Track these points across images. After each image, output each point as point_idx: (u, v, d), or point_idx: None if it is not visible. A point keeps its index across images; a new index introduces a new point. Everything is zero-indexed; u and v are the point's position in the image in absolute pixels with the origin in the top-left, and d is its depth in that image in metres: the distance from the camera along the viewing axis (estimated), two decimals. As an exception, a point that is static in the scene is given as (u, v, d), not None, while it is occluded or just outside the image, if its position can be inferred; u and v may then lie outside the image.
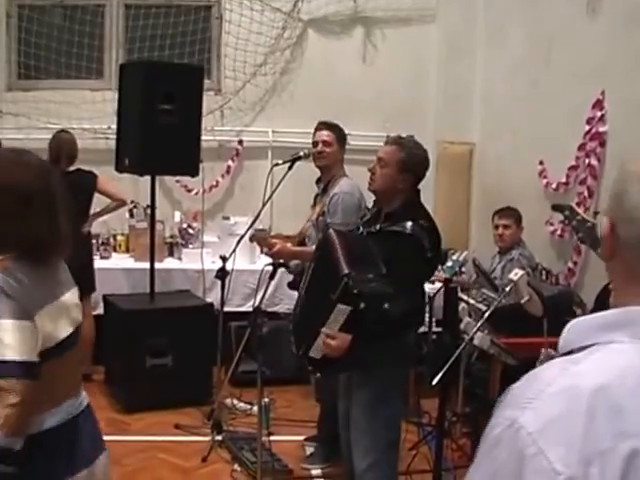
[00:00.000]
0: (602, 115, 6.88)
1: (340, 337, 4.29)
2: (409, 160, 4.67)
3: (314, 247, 5.17)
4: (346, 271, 4.27)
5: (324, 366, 4.51)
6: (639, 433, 1.39)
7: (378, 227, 4.60)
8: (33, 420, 2.71)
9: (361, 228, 4.79)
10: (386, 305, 4.22)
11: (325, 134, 6.13)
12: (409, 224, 4.47)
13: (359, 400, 4.69)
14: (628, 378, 1.44)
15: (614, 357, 1.47)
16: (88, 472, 2.92)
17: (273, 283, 6.09)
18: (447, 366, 4.54)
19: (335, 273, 4.33)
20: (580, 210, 4.57)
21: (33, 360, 2.64)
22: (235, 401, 7.16)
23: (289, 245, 5.95)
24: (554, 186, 7.46)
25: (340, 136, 6.17)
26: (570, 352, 1.55)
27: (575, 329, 1.57)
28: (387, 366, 4.54)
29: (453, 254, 7.22)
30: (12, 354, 2.59)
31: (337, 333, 4.28)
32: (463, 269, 7.46)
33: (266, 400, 6.32)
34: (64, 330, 2.87)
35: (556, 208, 4.52)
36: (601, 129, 6.88)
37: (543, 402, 1.44)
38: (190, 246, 8.58)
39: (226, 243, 7.33)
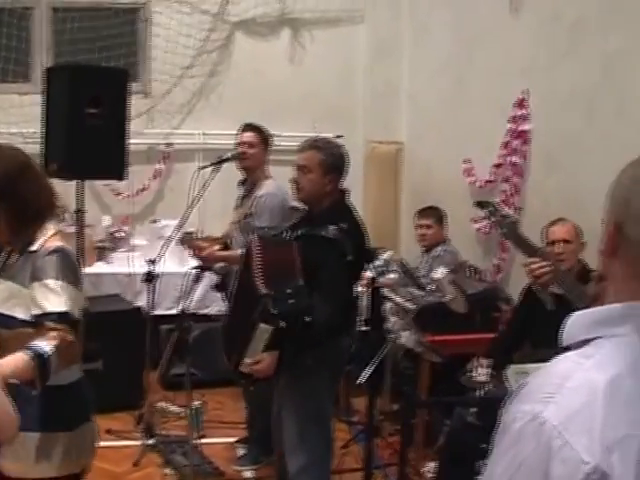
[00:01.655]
0: (525, 113, 6.97)
1: (265, 359, 4.31)
2: (331, 160, 4.71)
3: (240, 251, 5.17)
4: (264, 292, 4.27)
5: (255, 379, 4.52)
6: None
7: (304, 231, 4.61)
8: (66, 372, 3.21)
9: (285, 232, 4.78)
10: (307, 318, 4.23)
11: (249, 136, 6.17)
12: (331, 228, 4.48)
13: (289, 401, 4.72)
14: (637, 368, 1.54)
15: (622, 349, 1.56)
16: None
17: (202, 286, 6.12)
18: (373, 365, 4.58)
19: (255, 291, 4.33)
20: (503, 206, 4.63)
21: (79, 318, 3.25)
22: (167, 404, 7.14)
23: (217, 248, 5.97)
24: (480, 184, 7.55)
25: (264, 138, 6.21)
26: (572, 345, 1.64)
27: (577, 323, 1.65)
28: (317, 367, 4.55)
29: (382, 253, 7.25)
30: (65, 307, 3.10)
31: (261, 355, 4.30)
32: (391, 268, 7.50)
33: (197, 403, 6.34)
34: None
35: (479, 204, 4.57)
36: (525, 127, 6.98)
37: (563, 396, 1.51)
38: (120, 250, 8.54)
39: (155, 246, 7.28)
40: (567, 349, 1.65)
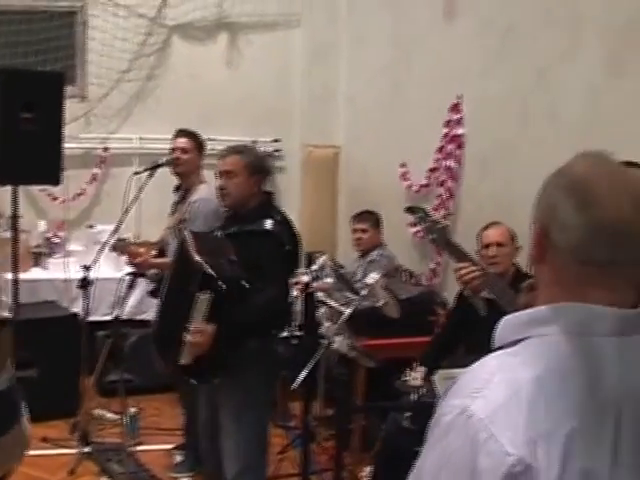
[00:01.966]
0: (460, 118, 7.02)
1: (205, 329, 4.36)
2: (255, 162, 4.83)
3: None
4: (200, 259, 4.41)
5: (197, 371, 4.54)
6: (576, 415, 1.58)
7: (236, 229, 4.70)
8: None
9: (218, 232, 4.82)
10: (244, 283, 4.38)
11: (182, 141, 6.17)
12: (268, 221, 4.64)
13: (226, 407, 4.73)
14: (560, 366, 1.62)
15: (547, 348, 1.65)
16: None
17: (139, 291, 6.08)
18: (306, 370, 4.59)
19: (192, 268, 4.44)
20: (433, 212, 4.66)
21: None
22: (104, 412, 7.09)
23: (152, 254, 5.96)
24: (415, 188, 7.59)
25: (198, 143, 6.21)
26: (503, 346, 1.72)
27: (507, 326, 1.74)
28: (254, 372, 4.62)
29: (319, 257, 7.26)
30: None
31: (202, 325, 4.36)
32: (326, 272, 7.52)
33: (133, 410, 6.31)
34: None
35: (410, 210, 4.61)
36: (459, 132, 7.03)
37: (490, 391, 1.60)
38: (56, 255, 8.46)
39: (92, 252, 7.21)
40: (498, 350, 1.72)
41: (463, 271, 4.28)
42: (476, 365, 1.70)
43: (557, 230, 1.70)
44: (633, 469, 1.61)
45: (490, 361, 1.69)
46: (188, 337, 4.38)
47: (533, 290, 2.01)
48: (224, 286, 4.35)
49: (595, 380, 1.62)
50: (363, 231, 7.27)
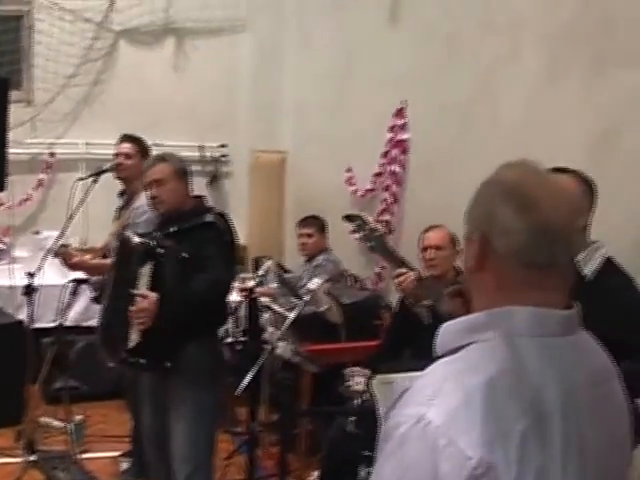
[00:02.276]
0: (404, 123, 7.06)
1: (149, 294, 4.45)
2: (179, 167, 4.92)
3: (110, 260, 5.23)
4: (137, 239, 4.63)
5: (147, 351, 4.57)
6: (527, 415, 1.62)
7: (176, 227, 4.75)
8: None
9: (154, 233, 4.85)
10: (184, 254, 4.52)
11: (126, 147, 6.15)
12: (207, 215, 4.80)
13: (177, 408, 4.73)
14: (506, 368, 1.65)
15: (491, 352, 1.68)
16: None
17: (85, 298, 6.05)
18: (250, 375, 4.60)
19: (132, 254, 4.63)
20: (370, 219, 4.68)
21: None
22: (49, 419, 7.03)
23: (87, 257, 5.94)
24: (361, 193, 7.62)
25: (142, 149, 6.18)
26: (446, 353, 1.75)
27: (447, 332, 1.78)
28: (203, 373, 4.70)
29: (264, 262, 7.27)
30: None
31: (147, 292, 4.47)
32: (271, 277, 7.54)
33: (78, 417, 6.26)
34: None
35: (348, 218, 4.65)
36: (403, 137, 7.07)
37: (444, 398, 1.62)
38: (1, 262, 8.39)
39: (37, 258, 7.16)
40: (442, 358, 1.74)
41: (401, 278, 4.33)
42: (424, 374, 1.72)
43: (498, 236, 1.74)
44: (579, 468, 1.67)
45: (437, 369, 1.71)
46: (133, 307, 4.48)
47: (459, 296, 2.04)
48: (162, 250, 4.52)
49: (539, 380, 1.66)
50: (308, 236, 7.30)
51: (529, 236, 1.70)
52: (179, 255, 4.54)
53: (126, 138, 6.24)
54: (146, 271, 4.52)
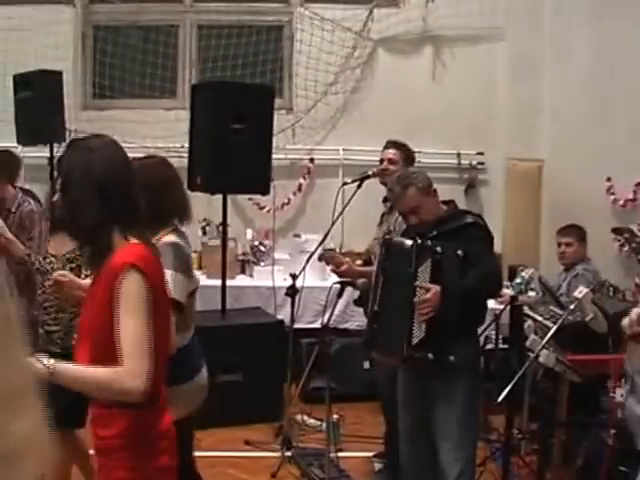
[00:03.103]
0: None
1: (432, 286, 4.59)
2: (424, 184, 4.99)
3: None
4: (410, 241, 4.77)
5: (432, 344, 4.67)
6: None
7: (435, 232, 4.85)
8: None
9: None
10: (459, 251, 4.64)
11: (391, 152, 6.20)
12: (468, 216, 4.99)
13: (450, 412, 4.79)
14: None
15: None
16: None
17: (342, 301, 6.16)
18: (512, 383, 4.56)
19: (404, 257, 4.76)
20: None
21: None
22: (305, 417, 7.20)
23: (357, 263, 6.02)
24: (621, 203, 7.44)
25: (407, 155, 6.21)
26: None
27: None
28: (470, 376, 4.83)
29: (522, 271, 7.19)
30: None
31: (429, 284, 4.61)
32: (531, 286, 7.44)
33: (335, 417, 6.38)
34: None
35: (616, 231, 4.56)
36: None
37: None
38: (262, 263, 8.66)
39: (297, 260, 7.39)
40: None
41: None
42: None
43: None
44: None
45: None
46: (415, 299, 4.62)
47: None
48: (440, 249, 4.63)
49: None
50: (568, 245, 7.17)
51: None
52: (455, 252, 4.63)
53: (392, 144, 6.30)
54: (426, 268, 4.64)
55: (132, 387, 2.84)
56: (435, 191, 4.97)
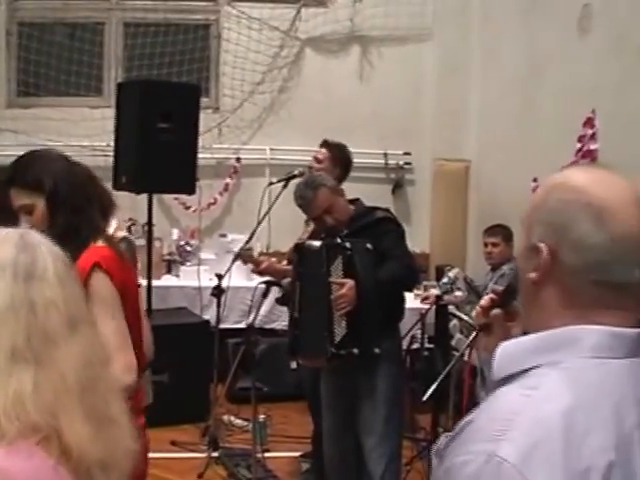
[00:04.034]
0: (593, 133, 6.94)
1: (346, 281, 4.65)
2: (331, 185, 5.14)
3: None
4: (318, 243, 4.86)
5: (355, 340, 4.72)
6: (612, 447, 1.45)
7: (346, 231, 4.96)
8: None
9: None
10: (369, 245, 4.72)
11: (321, 152, 6.19)
12: (377, 212, 5.09)
13: (374, 407, 4.86)
14: (590, 395, 1.50)
15: (567, 377, 1.52)
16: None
17: (268, 301, 6.14)
18: (438, 382, 4.59)
19: (316, 259, 4.83)
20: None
21: None
22: (232, 418, 7.19)
23: (283, 263, 6.02)
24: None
25: (335, 156, 6.14)
26: (507, 377, 1.58)
27: (507, 354, 1.61)
28: (394, 371, 4.94)
29: (449, 270, 7.24)
30: None
31: (342, 280, 4.67)
32: (457, 285, 7.50)
33: (262, 417, 6.37)
34: None
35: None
36: (592, 147, 6.94)
37: (517, 433, 1.46)
38: (188, 263, 8.60)
39: (223, 260, 7.35)
40: (502, 382, 1.59)
41: None
42: (489, 404, 1.57)
43: (570, 249, 1.58)
44: None
45: (506, 397, 1.55)
46: (332, 296, 4.66)
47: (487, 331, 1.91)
48: (348, 245, 4.70)
49: (621, 407, 1.52)
50: (494, 245, 7.24)
51: (604, 252, 1.55)
52: (365, 246, 4.70)
53: (325, 144, 6.27)
54: (338, 265, 4.69)
55: (127, 382, 2.87)
56: (342, 191, 5.06)
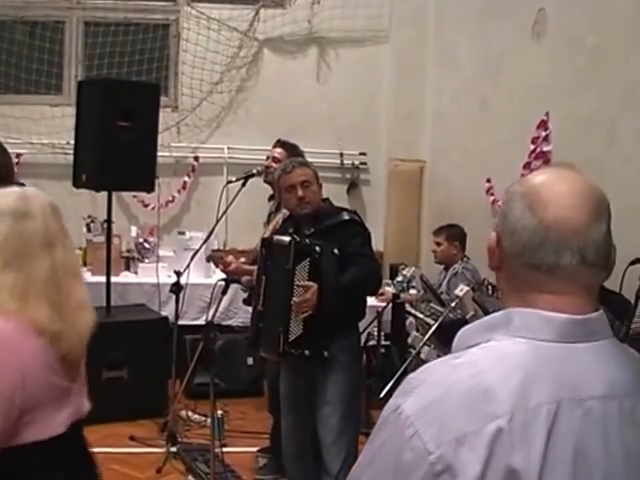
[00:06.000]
0: (546, 135, 7.08)
1: (310, 284, 4.68)
2: (316, 171, 5.19)
3: None
4: (288, 238, 4.82)
5: (308, 341, 4.77)
6: (505, 414, 1.57)
7: (313, 229, 5.00)
8: None
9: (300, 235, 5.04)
10: (336, 250, 4.75)
11: (277, 151, 6.26)
12: (344, 213, 5.11)
13: (332, 404, 4.89)
14: (501, 366, 1.62)
15: (490, 350, 1.66)
16: None
17: (227, 297, 6.20)
18: (394, 379, 4.68)
19: (283, 255, 4.81)
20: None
21: None
22: (190, 413, 7.23)
23: (241, 261, 6.08)
24: (500, 203, 7.62)
25: (292, 154, 6.24)
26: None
27: (462, 335, 1.75)
28: (354, 368, 5.00)
29: (403, 269, 7.35)
30: None
31: (308, 282, 4.69)
32: (412, 284, 7.60)
33: (219, 412, 6.40)
34: None
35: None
36: (545, 148, 7.08)
37: (422, 389, 1.64)
38: (146, 260, 8.64)
39: (182, 257, 7.38)
40: None
41: None
42: (424, 367, 1.72)
43: (507, 235, 1.71)
44: (568, 476, 1.59)
45: (434, 363, 1.72)
46: (294, 299, 4.70)
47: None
48: (317, 248, 4.70)
49: (532, 383, 1.61)
50: (438, 244, 7.36)
51: (533, 236, 1.66)
52: (332, 250, 4.74)
53: (280, 143, 6.36)
54: (304, 267, 4.72)
55: None
56: (321, 185, 5.12)
